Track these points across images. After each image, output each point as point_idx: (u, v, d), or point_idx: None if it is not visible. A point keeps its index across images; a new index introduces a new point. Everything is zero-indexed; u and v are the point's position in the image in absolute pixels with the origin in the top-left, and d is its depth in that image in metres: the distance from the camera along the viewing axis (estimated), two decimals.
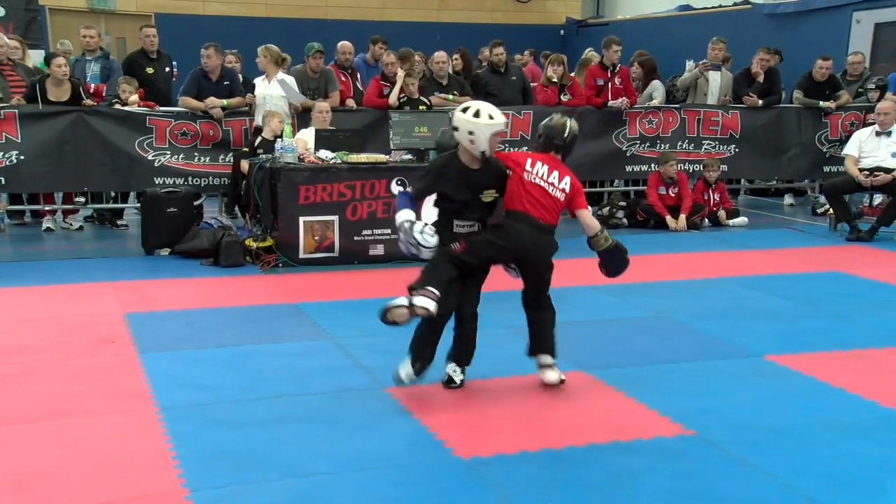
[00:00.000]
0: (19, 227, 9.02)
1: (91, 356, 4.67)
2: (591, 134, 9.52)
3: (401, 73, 8.80)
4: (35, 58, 9.44)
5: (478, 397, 4.14)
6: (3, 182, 8.07)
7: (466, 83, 9.44)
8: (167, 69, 8.99)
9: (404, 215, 4.05)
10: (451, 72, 9.53)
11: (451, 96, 9.12)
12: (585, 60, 10.18)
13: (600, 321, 5.55)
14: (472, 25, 16.02)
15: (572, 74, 9.83)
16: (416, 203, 4.12)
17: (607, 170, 9.94)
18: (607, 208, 9.30)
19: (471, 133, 3.97)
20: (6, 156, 7.96)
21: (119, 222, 8.95)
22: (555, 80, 9.39)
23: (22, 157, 7.99)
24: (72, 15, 14.41)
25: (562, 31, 17.71)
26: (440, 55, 9.34)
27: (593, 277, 6.79)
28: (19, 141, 7.97)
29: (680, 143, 9.86)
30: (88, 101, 8.23)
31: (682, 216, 8.91)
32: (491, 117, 3.97)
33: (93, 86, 8.68)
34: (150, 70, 8.69)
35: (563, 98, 9.47)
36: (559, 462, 3.42)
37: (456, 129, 4.02)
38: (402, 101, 8.76)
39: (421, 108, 8.47)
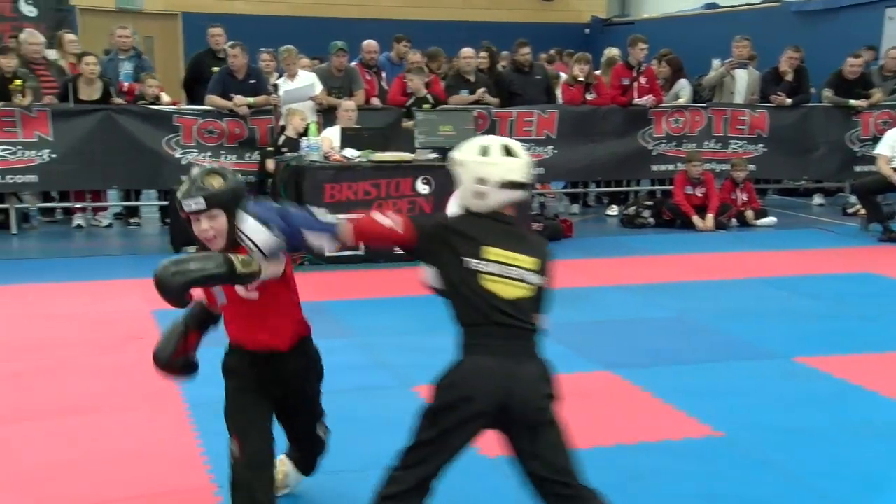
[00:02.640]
0: (50, 224, 9.12)
1: (119, 352, 4.71)
2: (617, 133, 9.47)
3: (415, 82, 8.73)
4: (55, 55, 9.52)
5: None
6: (36, 180, 8.16)
7: (492, 83, 9.40)
8: (220, 68, 9.00)
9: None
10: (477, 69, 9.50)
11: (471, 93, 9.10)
12: (611, 59, 10.12)
13: (626, 321, 5.53)
14: (495, 24, 15.97)
15: (597, 73, 9.79)
16: None
17: (633, 169, 9.88)
18: (633, 208, 9.25)
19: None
20: (39, 154, 8.04)
21: (132, 220, 9.00)
22: (580, 78, 9.35)
23: (54, 156, 8.08)
24: (101, 15, 14.53)
25: (586, 30, 17.63)
26: (467, 51, 9.31)
27: (616, 277, 6.81)
28: (52, 139, 8.06)
29: (706, 143, 9.78)
30: (118, 100, 8.31)
31: (710, 215, 8.84)
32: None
33: (126, 84, 8.76)
34: (215, 69, 8.76)
35: (588, 97, 9.42)
36: (586, 462, 3.39)
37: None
38: (410, 100, 8.76)
39: (425, 106, 8.44)
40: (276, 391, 2.76)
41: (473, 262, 2.43)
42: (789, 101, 9.80)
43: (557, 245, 7.98)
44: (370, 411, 3.90)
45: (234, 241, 2.53)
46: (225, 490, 3.09)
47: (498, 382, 2.48)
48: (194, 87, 9.00)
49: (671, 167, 9.69)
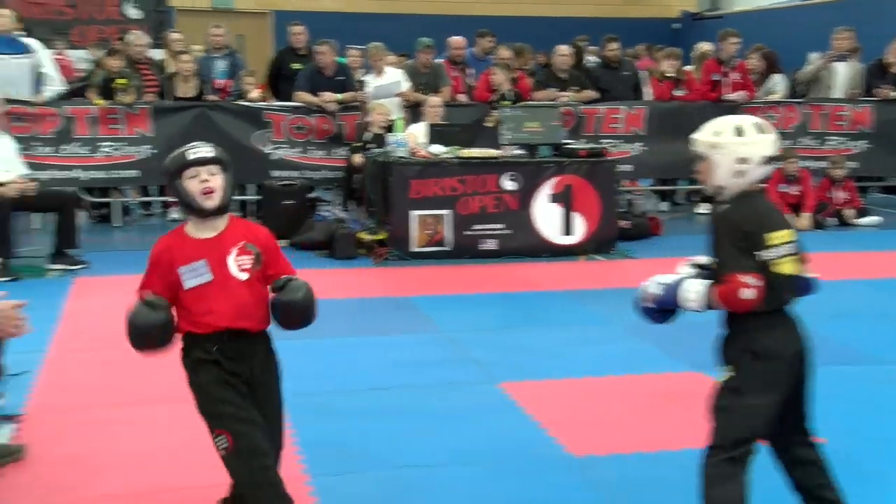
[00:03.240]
0: (148, 217, 9.44)
1: None
2: None
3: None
4: (159, 56, 9.87)
5: (592, 394, 4.08)
6: (137, 175, 8.47)
7: (585, 78, 9.29)
8: (308, 65, 9.16)
9: None
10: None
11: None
12: (703, 54, 9.88)
13: (714, 321, 5.37)
14: (581, 19, 15.79)
15: (687, 69, 9.57)
16: None
17: None
18: None
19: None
20: (139, 149, 8.33)
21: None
22: (669, 74, 9.16)
23: (154, 151, 8.35)
24: (197, 14, 14.97)
25: (674, 25, 17.28)
26: (563, 48, 9.20)
27: None
28: (151, 135, 8.34)
29: (802, 139, 9.45)
30: (211, 97, 8.53)
31: (806, 214, 8.55)
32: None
33: (220, 82, 8.99)
34: (296, 66, 8.92)
35: (677, 93, 9.23)
36: (675, 464, 3.32)
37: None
38: (493, 96, 8.72)
39: (503, 102, 8.39)
40: (244, 375, 2.63)
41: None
42: (895, 94, 9.38)
43: (645, 243, 7.85)
44: (454, 406, 3.90)
45: (226, 207, 2.64)
46: (318, 479, 3.14)
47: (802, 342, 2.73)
48: (276, 83, 9.16)
49: None
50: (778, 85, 9.68)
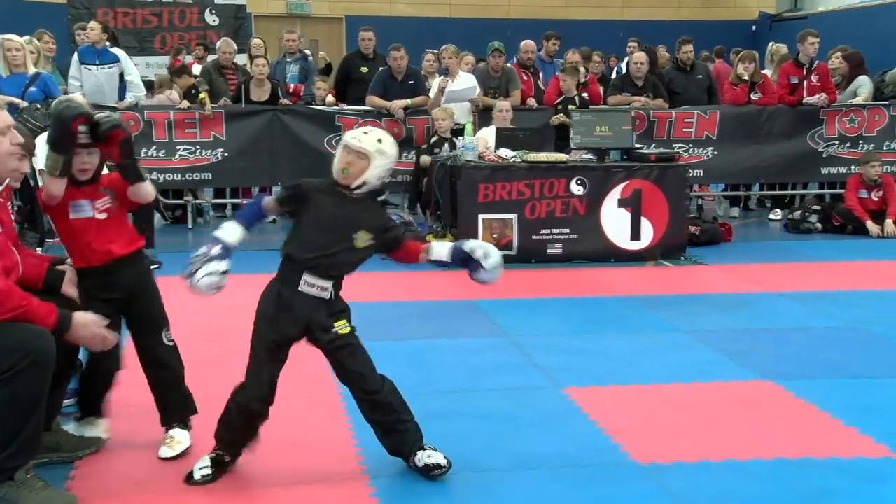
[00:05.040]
0: (221, 219, 9.66)
1: None
2: (783, 134, 9.05)
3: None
4: (242, 61, 10.15)
5: (657, 402, 4.02)
6: (210, 177, 8.68)
7: (661, 85, 9.17)
8: (381, 69, 9.30)
9: (226, 230, 3.30)
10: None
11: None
12: (783, 57, 9.63)
13: (788, 330, 5.25)
14: (656, 23, 15.61)
15: (765, 72, 9.36)
16: None
17: (800, 172, 9.38)
18: (799, 212, 8.78)
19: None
20: (213, 153, 8.54)
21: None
22: (745, 77, 8.98)
23: (226, 154, 8.55)
24: (273, 20, 15.29)
25: (753, 27, 16.93)
26: (640, 56, 9.11)
27: (779, 284, 6.50)
28: (224, 139, 8.54)
29: (887, 143, 9.16)
30: (284, 101, 8.70)
31: (889, 221, 8.26)
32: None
33: (292, 86, 9.16)
34: (364, 69, 9.05)
35: (754, 97, 9.04)
36: (744, 474, 3.26)
37: None
38: (559, 99, 8.68)
39: (570, 107, 8.32)
40: (118, 295, 3.28)
41: None
42: None
43: (716, 249, 7.71)
44: (520, 411, 3.89)
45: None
46: (378, 480, 3.17)
47: None
48: (344, 87, 9.28)
49: (843, 170, 9.15)
50: (863, 87, 9.37)
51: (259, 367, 3.13)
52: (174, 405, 3.46)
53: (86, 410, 3.50)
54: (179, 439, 3.40)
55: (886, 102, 9.25)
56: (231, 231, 3.16)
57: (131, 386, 4.00)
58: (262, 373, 3.12)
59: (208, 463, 3.16)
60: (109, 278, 3.27)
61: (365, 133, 3.10)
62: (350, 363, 3.16)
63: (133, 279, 3.35)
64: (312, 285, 3.09)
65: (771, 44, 10.47)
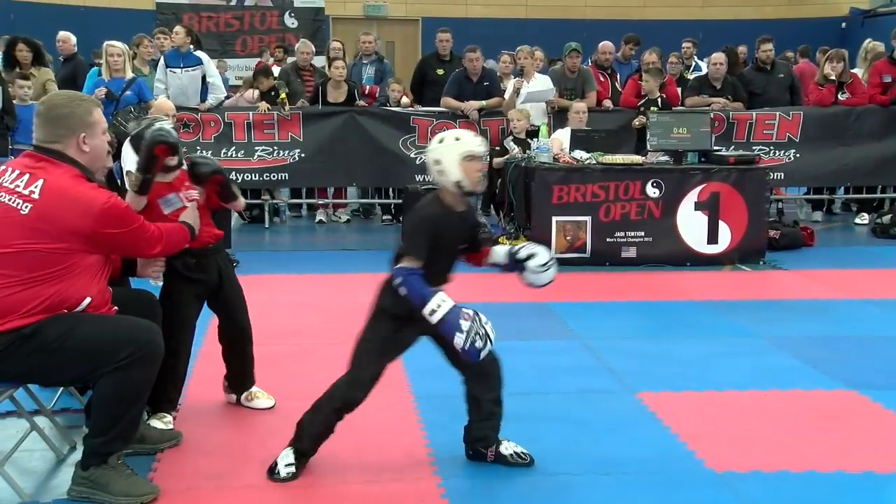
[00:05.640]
0: (296, 218, 9.83)
1: (352, 343, 4.96)
2: (873, 135, 8.76)
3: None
4: (319, 63, 10.32)
5: (733, 409, 3.94)
6: (287, 177, 8.84)
7: (741, 86, 8.97)
8: (456, 70, 9.36)
9: (442, 300, 3.09)
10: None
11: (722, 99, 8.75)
12: (879, 54, 9.28)
13: (874, 338, 5.08)
14: (738, 22, 15.26)
15: (854, 71, 9.07)
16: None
17: (890, 174, 9.04)
18: (888, 216, 8.47)
19: (437, 162, 3.17)
20: (290, 153, 8.70)
21: (384, 217, 9.47)
22: (832, 77, 8.72)
23: (303, 155, 8.69)
24: (350, 22, 15.49)
25: (843, 24, 16.36)
26: (718, 57, 8.93)
27: (865, 290, 6.29)
28: (301, 140, 8.69)
29: None
30: (361, 102, 8.80)
31: None
32: (457, 139, 3.17)
33: (367, 87, 9.26)
34: (440, 71, 9.11)
35: (841, 97, 8.76)
36: (826, 486, 3.17)
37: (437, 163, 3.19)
38: (641, 101, 8.55)
39: (652, 108, 8.18)
40: (210, 280, 3.65)
41: None
42: None
43: (797, 254, 7.51)
44: (592, 415, 3.86)
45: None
46: (449, 481, 3.18)
47: None
48: (421, 89, 9.34)
49: None
50: None
51: (372, 361, 3.22)
52: (250, 370, 3.93)
53: (152, 405, 3.61)
54: (263, 393, 3.92)
55: None
56: (442, 296, 3.14)
57: (205, 383, 4.12)
58: (374, 368, 3.21)
59: (292, 458, 3.21)
60: (202, 260, 3.62)
61: (463, 137, 3.19)
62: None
63: (222, 265, 3.73)
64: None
65: (868, 41, 10.04)
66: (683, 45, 10.19)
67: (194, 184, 3.57)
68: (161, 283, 3.61)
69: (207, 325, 5.13)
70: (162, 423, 3.59)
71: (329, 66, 9.15)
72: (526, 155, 7.49)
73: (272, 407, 3.90)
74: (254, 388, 3.94)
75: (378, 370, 3.22)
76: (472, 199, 9.81)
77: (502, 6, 16.20)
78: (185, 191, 3.58)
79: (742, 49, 11.36)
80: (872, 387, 4.17)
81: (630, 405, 3.99)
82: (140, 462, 3.25)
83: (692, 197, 7.00)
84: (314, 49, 9.73)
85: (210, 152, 8.48)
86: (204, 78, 8.47)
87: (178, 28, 8.71)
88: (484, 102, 8.55)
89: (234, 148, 8.62)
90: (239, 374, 3.93)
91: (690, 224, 7.02)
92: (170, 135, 3.37)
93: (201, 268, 3.62)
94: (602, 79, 9.14)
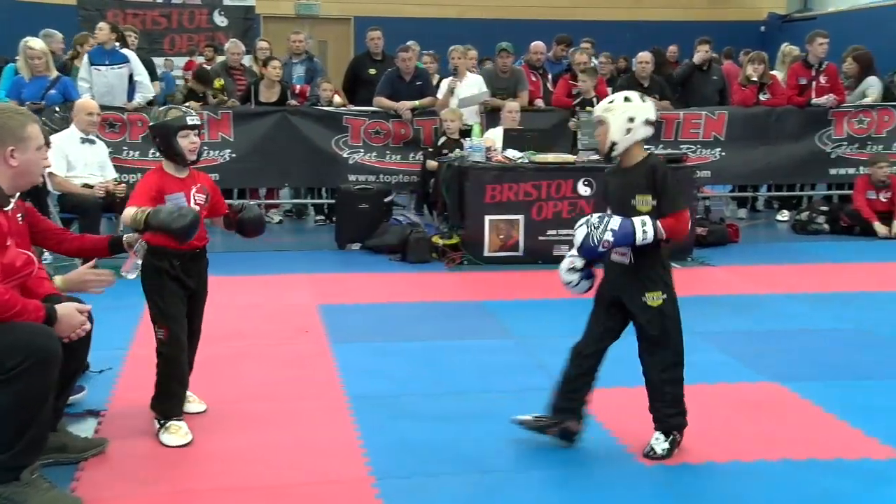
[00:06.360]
0: None
1: (288, 344, 4.93)
2: (792, 135, 9.04)
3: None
4: (249, 62, 10.19)
5: None
6: (218, 178, 8.68)
7: (667, 86, 9.17)
8: (389, 70, 9.33)
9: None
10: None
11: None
12: (795, 57, 9.60)
13: (795, 331, 5.25)
14: (665, 24, 15.58)
15: (774, 73, 9.35)
16: None
17: (808, 173, 9.37)
18: (806, 213, 8.76)
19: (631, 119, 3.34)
20: (221, 154, 8.57)
21: (318, 218, 9.41)
22: (754, 78, 8.97)
23: (234, 155, 8.58)
24: (282, 21, 15.32)
25: (762, 28, 16.87)
26: (644, 56, 9.11)
27: (787, 285, 6.48)
28: (232, 140, 8.57)
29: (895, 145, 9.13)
30: (292, 102, 8.71)
31: None
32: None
33: (298, 87, 9.18)
34: (372, 71, 9.08)
35: (763, 98, 9.03)
36: (750, 475, 3.26)
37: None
38: (576, 100, 8.68)
39: (588, 108, 8.32)
40: (191, 284, 3.59)
41: None
42: None
43: (723, 250, 7.70)
44: (528, 412, 3.88)
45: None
46: (383, 481, 3.19)
47: None
48: (353, 88, 9.31)
49: (852, 171, 9.13)
50: (872, 88, 9.34)
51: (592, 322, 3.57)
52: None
53: (164, 415, 3.55)
54: (194, 397, 3.84)
55: (894, 103, 9.22)
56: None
57: (133, 388, 4.04)
58: (595, 329, 3.57)
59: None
60: (188, 263, 3.58)
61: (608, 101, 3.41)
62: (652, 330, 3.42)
63: (203, 271, 3.72)
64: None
65: (785, 44, 10.41)
66: (582, 44, 10.22)
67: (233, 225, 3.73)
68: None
69: (135, 329, 5.04)
70: (178, 436, 3.48)
71: (258, 66, 9.04)
72: (459, 154, 7.52)
73: (204, 411, 3.83)
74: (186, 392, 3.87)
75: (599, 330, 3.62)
76: (405, 199, 9.82)
77: (435, 6, 16.23)
78: (197, 193, 3.57)
79: (672, 49, 11.62)
80: (793, 378, 4.31)
81: None
82: (61, 473, 3.15)
83: None
84: (244, 48, 9.60)
85: (138, 153, 8.33)
86: (131, 77, 8.29)
87: (101, 24, 8.48)
88: (417, 102, 8.56)
89: None
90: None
91: None
92: (189, 216, 3.31)
93: (186, 271, 3.57)
94: (534, 78, 9.23)
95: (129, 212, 3.37)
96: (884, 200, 8.44)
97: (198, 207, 3.53)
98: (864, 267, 7.16)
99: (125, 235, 3.48)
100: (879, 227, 8.27)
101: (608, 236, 3.26)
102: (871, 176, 8.51)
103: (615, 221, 3.26)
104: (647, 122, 3.33)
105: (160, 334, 3.54)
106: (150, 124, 3.61)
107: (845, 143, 9.12)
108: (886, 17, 14.35)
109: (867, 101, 9.23)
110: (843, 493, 3.14)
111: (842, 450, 3.48)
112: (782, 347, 4.90)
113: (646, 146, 3.49)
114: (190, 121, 3.49)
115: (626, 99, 3.35)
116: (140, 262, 3.38)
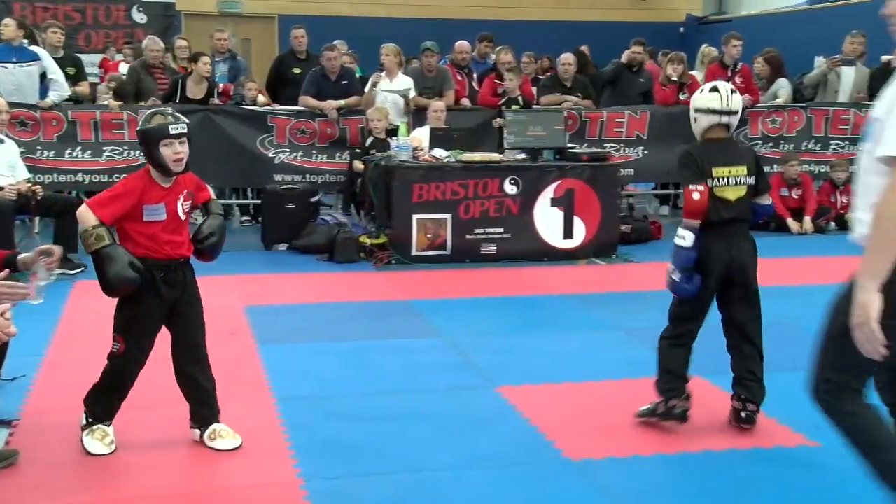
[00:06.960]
0: None
1: (214, 347, 4.80)
2: None
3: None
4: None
5: (589, 399, 4.10)
6: None
7: (591, 86, 9.32)
8: (314, 69, 9.23)
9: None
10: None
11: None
12: (714, 58, 9.87)
13: (715, 325, 5.37)
14: (588, 24, 15.83)
15: (693, 73, 9.58)
16: None
17: None
18: None
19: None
20: (141, 153, 8.35)
21: (244, 219, 9.28)
22: (674, 78, 9.18)
23: None
24: (204, 19, 15.04)
25: (681, 29, 17.29)
26: (567, 57, 9.23)
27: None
28: None
29: (805, 144, 9.46)
30: (215, 100, 8.56)
31: (807, 218, 8.57)
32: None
33: (221, 85, 9.02)
34: (297, 70, 8.97)
35: (682, 97, 9.24)
36: (673, 467, 3.35)
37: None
38: (501, 100, 8.76)
39: (514, 107, 8.42)
40: (173, 295, 3.38)
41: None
42: None
43: (647, 247, 7.87)
44: (456, 411, 3.92)
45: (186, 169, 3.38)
46: (312, 483, 3.16)
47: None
48: (277, 87, 9.20)
49: (767, 169, 9.39)
50: (783, 89, 9.68)
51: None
52: (211, 400, 3.51)
53: (95, 417, 3.42)
54: (228, 432, 3.48)
55: (803, 104, 9.57)
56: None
57: (49, 396, 3.92)
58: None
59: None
60: (169, 274, 3.36)
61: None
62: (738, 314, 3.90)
63: (188, 280, 3.47)
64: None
65: (704, 46, 10.69)
66: (478, 44, 10.30)
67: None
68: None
69: (52, 333, 4.90)
70: (103, 444, 3.35)
71: (176, 64, 8.87)
72: (385, 154, 7.51)
73: (238, 447, 3.44)
74: (217, 426, 3.46)
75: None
76: (332, 199, 9.74)
77: (362, 4, 16.15)
78: (184, 201, 3.40)
79: (583, 48, 11.75)
80: (713, 372, 4.41)
81: (492, 400, 4.08)
82: None
83: (548, 193, 7.22)
84: (163, 46, 9.37)
85: (52, 152, 8.08)
86: (44, 75, 8.01)
87: (7, 20, 8.13)
88: (343, 101, 8.50)
89: (79, 148, 8.20)
90: (196, 404, 3.49)
91: (547, 220, 7.23)
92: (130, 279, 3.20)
93: (169, 282, 3.35)
94: (460, 77, 9.26)
95: (89, 218, 3.18)
96: (795, 197, 8.74)
97: (183, 214, 3.40)
98: (777, 262, 7.37)
99: (20, 256, 3.21)
100: (792, 224, 8.56)
101: (674, 276, 3.84)
102: (784, 174, 8.80)
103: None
104: (710, 111, 3.69)
105: (115, 347, 3.36)
106: (137, 128, 3.42)
107: (760, 141, 9.41)
108: (796, 21, 14.87)
109: (779, 101, 9.55)
110: (761, 480, 3.25)
111: (758, 439, 3.60)
112: (704, 341, 5.01)
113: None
114: (173, 129, 3.27)
115: (700, 91, 3.78)
116: (43, 283, 3.13)
